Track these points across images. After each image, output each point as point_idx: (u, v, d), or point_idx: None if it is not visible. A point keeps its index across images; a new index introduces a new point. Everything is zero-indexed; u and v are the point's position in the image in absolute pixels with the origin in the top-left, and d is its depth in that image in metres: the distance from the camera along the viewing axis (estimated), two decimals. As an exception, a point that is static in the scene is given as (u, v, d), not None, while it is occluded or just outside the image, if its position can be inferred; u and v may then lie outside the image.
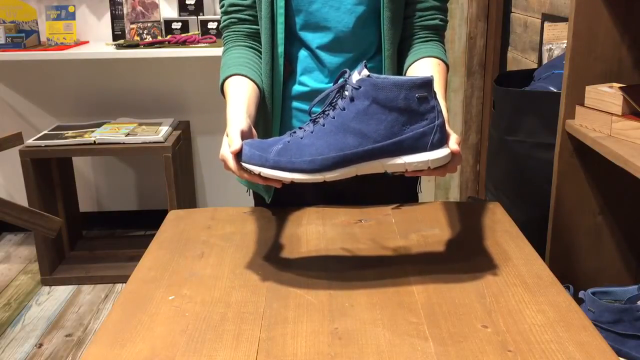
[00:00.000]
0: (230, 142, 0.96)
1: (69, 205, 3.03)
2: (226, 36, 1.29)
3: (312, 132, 0.92)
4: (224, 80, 1.19)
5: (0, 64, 3.04)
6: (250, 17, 1.25)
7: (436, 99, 0.93)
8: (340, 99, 0.92)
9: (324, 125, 0.92)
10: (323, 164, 0.90)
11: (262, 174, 0.92)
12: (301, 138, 0.92)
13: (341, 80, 0.94)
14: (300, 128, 0.95)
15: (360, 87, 0.90)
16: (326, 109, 0.94)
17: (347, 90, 0.92)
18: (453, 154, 0.93)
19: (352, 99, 0.90)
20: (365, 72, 0.90)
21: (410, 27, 1.24)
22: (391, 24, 1.20)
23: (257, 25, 1.25)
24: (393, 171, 0.93)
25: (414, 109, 0.90)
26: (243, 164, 0.94)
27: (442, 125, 0.93)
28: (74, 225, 3.09)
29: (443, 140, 0.93)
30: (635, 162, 1.17)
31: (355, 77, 0.91)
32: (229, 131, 0.98)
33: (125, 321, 0.90)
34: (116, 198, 3.33)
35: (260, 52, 1.25)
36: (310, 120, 0.95)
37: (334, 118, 0.91)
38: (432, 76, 0.92)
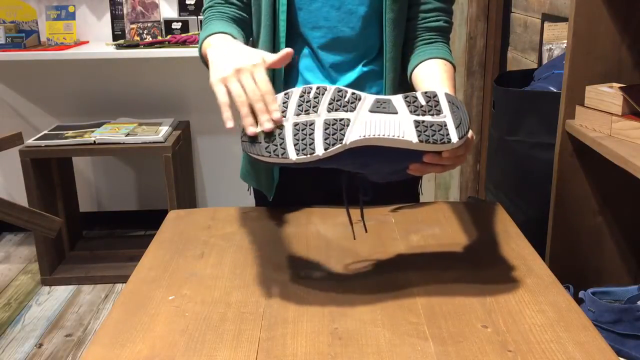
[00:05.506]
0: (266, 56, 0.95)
1: (69, 205, 3.03)
2: (208, 16, 1.19)
3: None
4: (204, 39, 1.10)
5: (0, 64, 3.04)
6: (238, 2, 1.20)
7: None
8: None
9: None
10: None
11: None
12: None
13: None
14: None
15: None
16: None
17: None
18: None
19: None
20: None
21: (414, 29, 1.21)
22: (393, 25, 1.18)
23: (245, 13, 1.22)
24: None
25: None
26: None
27: None
28: (74, 225, 3.08)
29: None
30: (635, 162, 1.17)
31: None
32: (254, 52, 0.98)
33: (125, 321, 0.90)
34: (116, 198, 3.33)
35: (247, 40, 1.21)
36: None
37: None
38: None
